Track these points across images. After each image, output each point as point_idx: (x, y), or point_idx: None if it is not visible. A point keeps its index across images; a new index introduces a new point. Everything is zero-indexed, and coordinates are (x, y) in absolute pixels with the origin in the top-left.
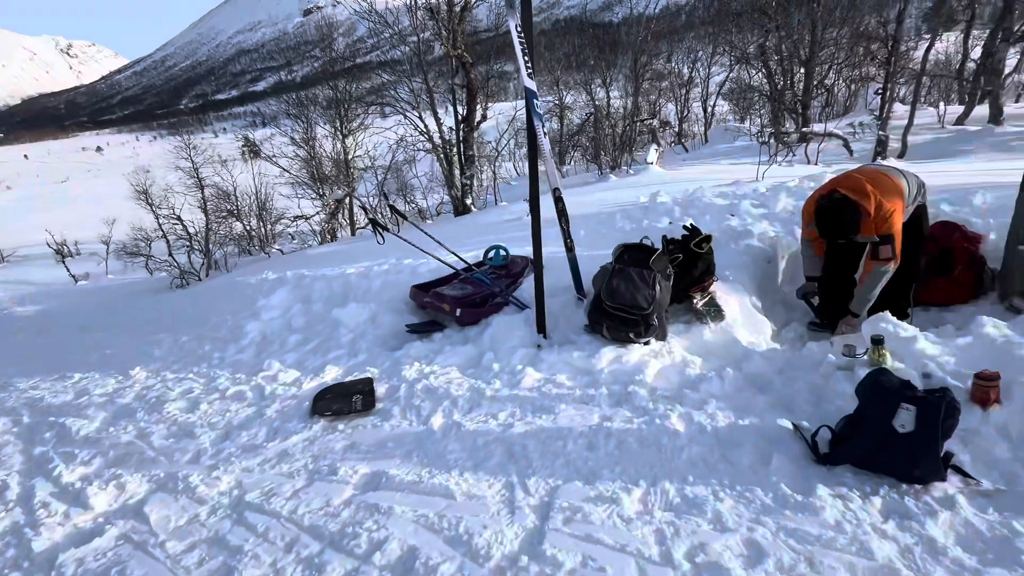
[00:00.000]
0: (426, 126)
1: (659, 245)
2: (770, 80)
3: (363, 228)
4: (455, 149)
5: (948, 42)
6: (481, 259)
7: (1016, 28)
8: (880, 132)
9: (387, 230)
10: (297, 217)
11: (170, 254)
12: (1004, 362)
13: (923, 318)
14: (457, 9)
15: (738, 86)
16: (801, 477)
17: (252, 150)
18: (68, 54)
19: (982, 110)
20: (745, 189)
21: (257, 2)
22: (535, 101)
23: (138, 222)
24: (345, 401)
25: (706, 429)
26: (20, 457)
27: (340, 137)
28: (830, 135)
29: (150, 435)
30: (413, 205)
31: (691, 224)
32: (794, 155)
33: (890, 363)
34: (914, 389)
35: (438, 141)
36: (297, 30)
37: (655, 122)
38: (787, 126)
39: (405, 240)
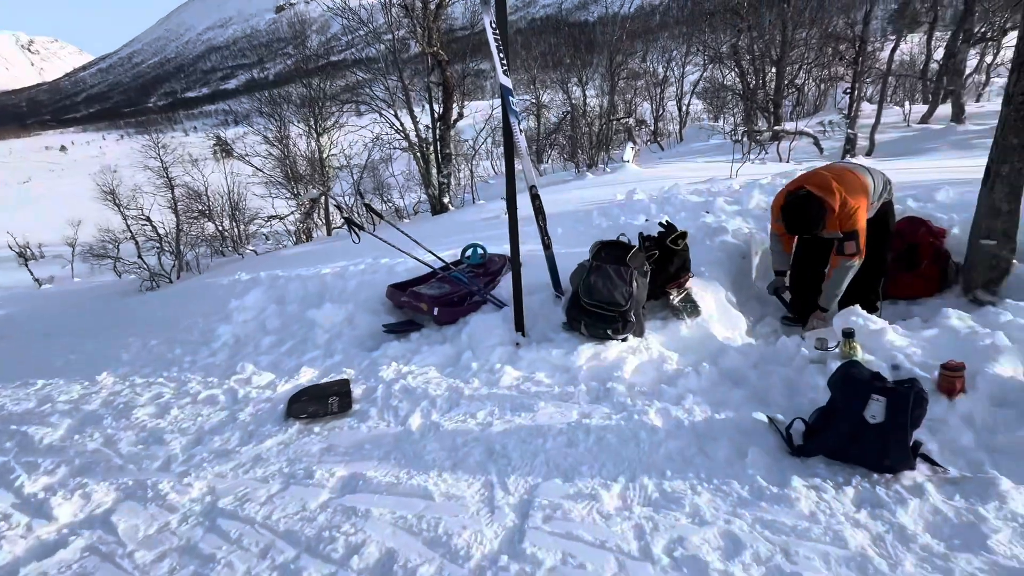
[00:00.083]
0: (402, 124)
1: (636, 242)
2: (743, 79)
3: (339, 228)
4: (432, 147)
5: (912, 43)
6: (459, 258)
7: (976, 30)
8: (849, 130)
9: (363, 229)
10: (271, 217)
11: (139, 256)
12: (968, 353)
13: (891, 311)
14: (432, 7)
15: (712, 85)
16: (776, 469)
17: (224, 149)
18: (29, 50)
19: (945, 109)
20: (719, 187)
21: None
22: (511, 98)
23: (105, 223)
24: (321, 403)
25: (683, 424)
26: None
27: (315, 136)
28: (801, 133)
29: (118, 442)
30: (390, 204)
31: (667, 221)
32: (766, 153)
33: (861, 355)
34: (884, 380)
35: (414, 139)
36: (269, 27)
37: (631, 121)
38: (760, 125)
39: (381, 239)
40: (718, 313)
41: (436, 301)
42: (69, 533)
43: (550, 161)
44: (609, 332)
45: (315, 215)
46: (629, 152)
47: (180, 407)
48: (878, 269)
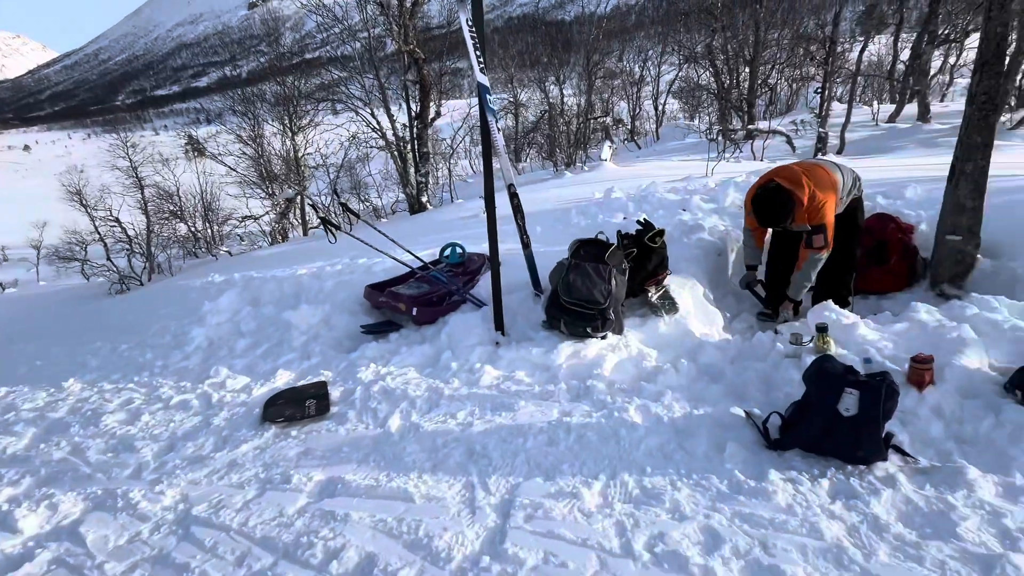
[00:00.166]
0: (379, 123)
1: (614, 240)
2: (717, 79)
3: (315, 228)
4: (409, 146)
5: (880, 44)
6: (437, 257)
7: (940, 32)
8: (820, 129)
9: (339, 229)
10: (246, 217)
11: (108, 258)
12: (937, 345)
13: (863, 306)
14: (408, 4)
15: (687, 85)
16: (754, 463)
17: (196, 148)
18: None
19: (912, 108)
20: (696, 185)
21: None
22: (488, 97)
23: (72, 225)
24: (298, 406)
25: (663, 420)
26: None
27: (289, 135)
28: (774, 132)
29: (86, 450)
30: (367, 203)
31: (645, 219)
32: (741, 151)
33: (834, 350)
34: (856, 374)
35: (391, 138)
36: (242, 24)
37: (608, 120)
38: (734, 123)
39: (358, 239)
40: (695, 310)
41: (415, 301)
42: (35, 546)
43: (528, 160)
44: (589, 330)
45: (291, 215)
46: (607, 151)
47: (151, 413)
48: (848, 265)
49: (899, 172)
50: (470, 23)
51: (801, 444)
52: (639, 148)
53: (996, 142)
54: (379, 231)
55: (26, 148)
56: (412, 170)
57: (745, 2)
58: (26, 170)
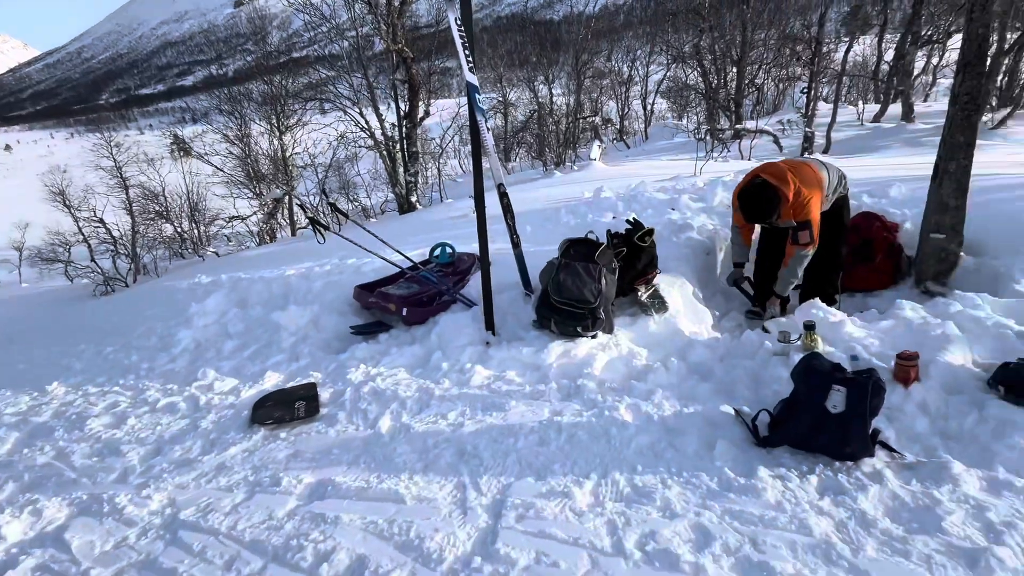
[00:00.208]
0: (367, 122)
1: (604, 240)
2: (705, 79)
3: (303, 228)
4: (398, 146)
5: (865, 45)
6: (427, 257)
7: (923, 33)
8: (807, 129)
9: (328, 229)
10: (233, 218)
11: (92, 259)
12: (922, 342)
13: (849, 304)
14: (396, 3)
15: (675, 84)
16: (743, 460)
17: (182, 148)
18: None
19: (896, 108)
20: (684, 184)
21: None
22: (478, 96)
23: (55, 225)
24: (287, 408)
25: (653, 418)
26: None
27: (277, 134)
28: (761, 132)
29: (70, 455)
30: (356, 203)
31: (634, 218)
32: (729, 151)
33: (821, 347)
34: (844, 371)
35: (380, 138)
36: (228, 22)
37: (597, 119)
38: (722, 123)
39: (347, 239)
40: (685, 308)
41: (405, 301)
42: (19, 552)
43: (518, 159)
44: (579, 329)
45: (279, 215)
46: (596, 150)
47: (138, 416)
48: (835, 263)
49: (884, 171)
50: (459, 22)
51: (790, 441)
52: (628, 148)
53: (978, 142)
54: (368, 231)
55: (7, 148)
56: (401, 170)
57: (732, 2)
58: (7, 170)
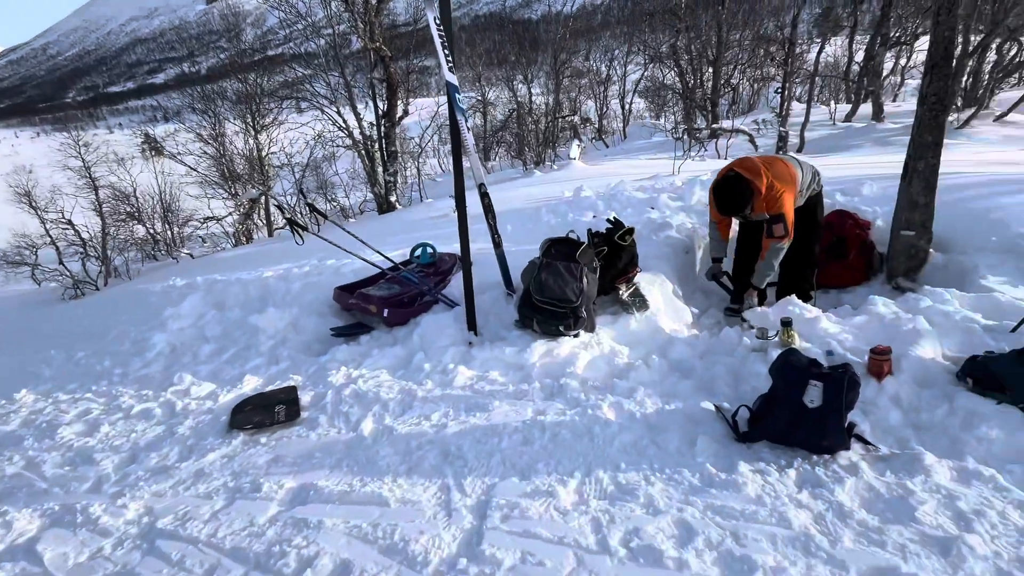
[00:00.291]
0: (345, 122)
1: (585, 238)
2: (682, 79)
3: (281, 228)
4: (377, 145)
5: (836, 46)
6: (408, 257)
7: (891, 34)
8: (781, 128)
9: (306, 230)
10: (208, 218)
11: (60, 262)
12: (894, 337)
13: (824, 300)
14: (373, 1)
15: (653, 84)
16: (724, 456)
17: (153, 147)
18: None
19: (866, 108)
20: (663, 183)
21: None
22: (457, 96)
23: (20, 228)
24: (267, 412)
25: (636, 416)
26: None
27: (252, 133)
28: (737, 131)
29: (41, 464)
30: (334, 203)
31: (614, 217)
32: (706, 150)
33: (798, 343)
34: (820, 366)
35: (358, 137)
36: (200, 18)
37: (576, 118)
38: (699, 122)
39: (326, 240)
40: (665, 306)
41: (386, 302)
42: None
43: (498, 159)
44: (561, 328)
45: (255, 216)
46: (575, 149)
47: (111, 423)
48: (810, 260)
49: (856, 170)
50: (438, 21)
51: (769, 436)
52: (607, 147)
53: (945, 141)
54: (347, 231)
55: None
56: (380, 169)
57: (708, 3)
58: None
